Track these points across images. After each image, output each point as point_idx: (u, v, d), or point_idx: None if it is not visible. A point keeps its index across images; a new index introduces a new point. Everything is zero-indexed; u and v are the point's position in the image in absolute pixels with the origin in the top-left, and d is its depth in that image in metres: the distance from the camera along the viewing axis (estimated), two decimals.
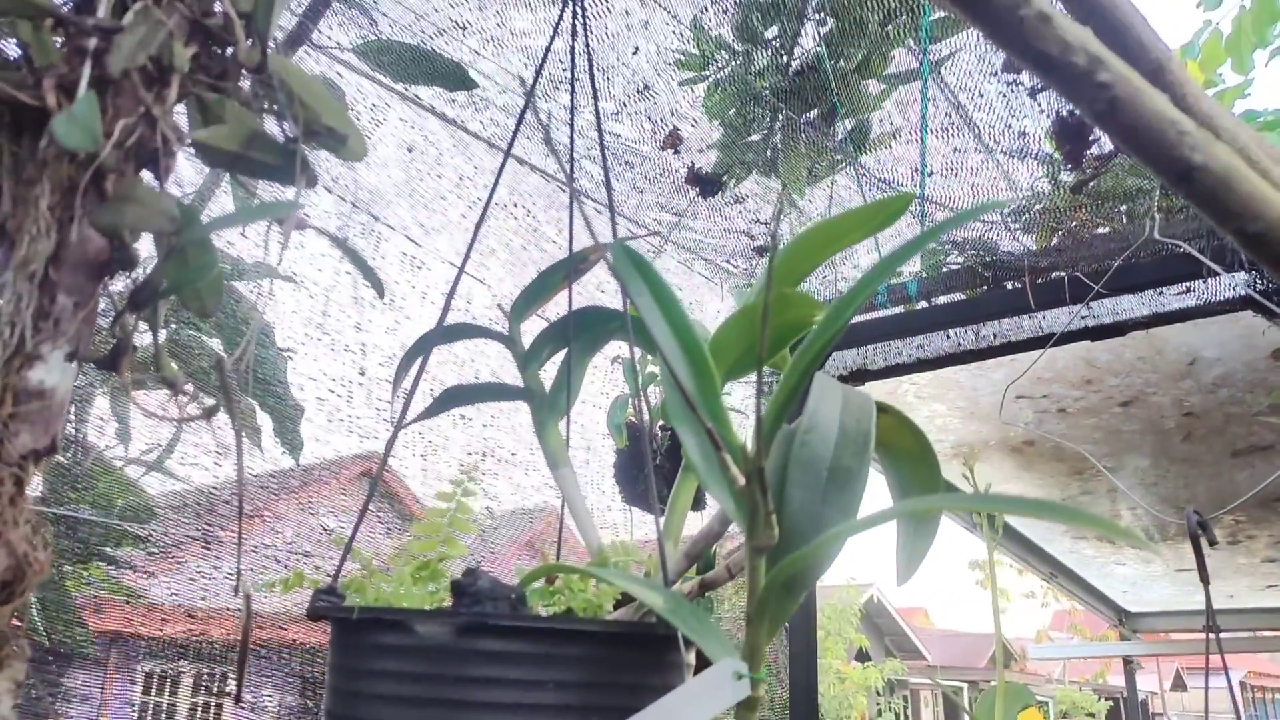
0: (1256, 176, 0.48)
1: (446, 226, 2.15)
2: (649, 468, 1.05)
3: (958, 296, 2.22)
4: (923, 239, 1.14)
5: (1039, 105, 1.70)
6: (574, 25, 1.24)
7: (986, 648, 20.71)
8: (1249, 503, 3.02)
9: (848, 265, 2.30)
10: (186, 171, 1.62)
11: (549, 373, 1.14)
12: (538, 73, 1.21)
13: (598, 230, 0.96)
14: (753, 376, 1.02)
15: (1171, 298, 1.95)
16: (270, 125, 0.65)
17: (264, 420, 1.87)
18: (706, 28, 1.71)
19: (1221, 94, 2.94)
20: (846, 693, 14.15)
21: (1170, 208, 1.87)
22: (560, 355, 1.13)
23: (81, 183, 0.55)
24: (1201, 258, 1.81)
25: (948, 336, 2.24)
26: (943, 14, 1.62)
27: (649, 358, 1.44)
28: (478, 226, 1.10)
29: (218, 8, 0.62)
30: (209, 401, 0.70)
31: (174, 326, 1.74)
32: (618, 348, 1.74)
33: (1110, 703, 18.24)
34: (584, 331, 1.11)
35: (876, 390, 2.49)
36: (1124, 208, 1.94)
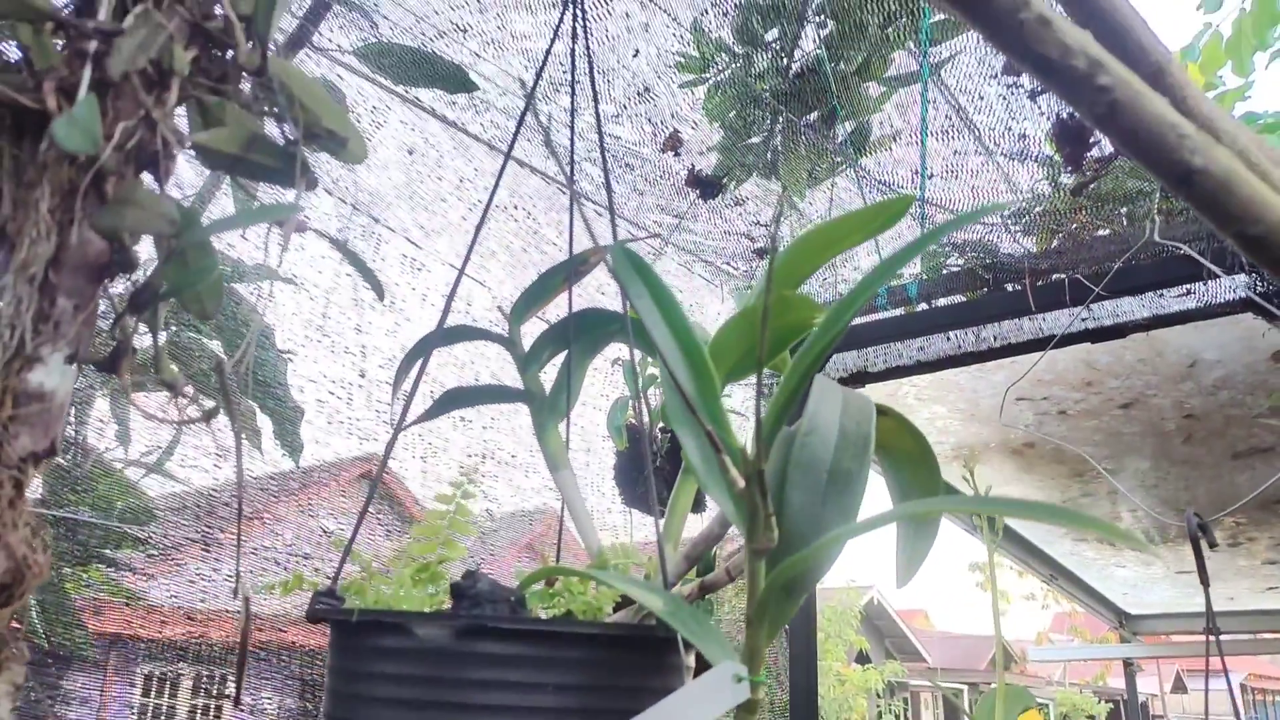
0: (1256, 179, 0.48)
1: (447, 228, 2.16)
2: (649, 470, 1.05)
3: (958, 298, 2.22)
4: (923, 241, 1.14)
5: (1039, 108, 1.70)
6: (574, 28, 1.24)
7: (987, 650, 20.70)
8: (1249, 505, 3.02)
9: (848, 267, 2.30)
10: (187, 174, 1.62)
11: (549, 375, 1.14)
12: (538, 75, 1.21)
13: (598, 232, 0.96)
14: (753, 379, 1.02)
15: (1172, 300, 1.95)
16: (270, 128, 0.65)
17: (264, 422, 1.87)
18: (707, 30, 1.71)
19: (1222, 96, 2.94)
20: (847, 695, 14.14)
21: (1170, 210, 1.87)
22: (560, 357, 1.13)
23: (82, 185, 0.55)
24: (1202, 260, 1.81)
25: (948, 338, 2.24)
26: (943, 17, 1.62)
27: (649, 360, 1.44)
28: (478, 229, 1.10)
29: (218, 11, 0.62)
30: (209, 404, 0.70)
31: (174, 329, 1.74)
32: (618, 350, 1.74)
33: (1110, 705, 18.23)
34: (584, 334, 1.11)
35: (877, 392, 2.49)
36: (1124, 210, 1.94)
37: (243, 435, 1.81)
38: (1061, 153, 1.74)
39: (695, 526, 1.11)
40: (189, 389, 0.67)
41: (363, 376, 2.10)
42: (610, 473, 1.90)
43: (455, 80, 1.57)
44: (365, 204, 2.02)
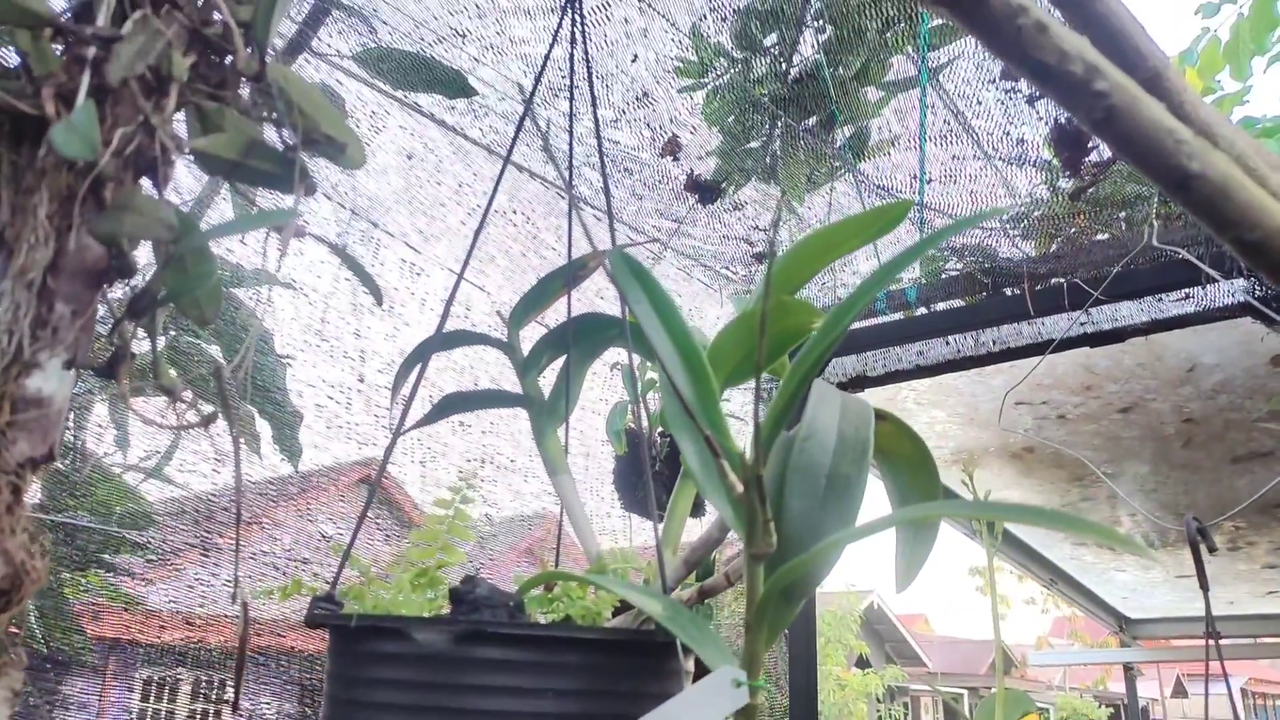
0: (1254, 185, 0.48)
1: (446, 233, 2.16)
2: (648, 474, 1.05)
3: (957, 303, 2.22)
4: (922, 246, 1.14)
5: (1037, 112, 1.70)
6: (573, 33, 1.24)
7: (987, 654, 20.68)
8: (1249, 509, 3.02)
9: (847, 272, 2.30)
10: (185, 179, 1.62)
11: (548, 379, 1.14)
12: (537, 80, 1.21)
13: (597, 237, 0.96)
14: (751, 383, 1.02)
15: (1170, 304, 1.96)
16: (269, 133, 0.65)
17: (263, 427, 1.87)
18: (705, 35, 1.72)
19: (1220, 101, 2.95)
20: (847, 699, 14.13)
21: (1169, 214, 1.87)
22: (559, 362, 1.13)
23: (80, 191, 0.55)
24: (1200, 264, 1.81)
25: (947, 343, 2.24)
26: (941, 22, 1.62)
27: (648, 364, 1.44)
28: (477, 233, 1.10)
29: (217, 17, 0.62)
30: (207, 408, 0.70)
31: (173, 334, 1.74)
32: (617, 354, 1.74)
33: (1111, 709, 18.21)
34: (583, 338, 1.11)
35: (876, 396, 2.49)
36: (1123, 214, 1.94)
37: (241, 440, 1.81)
38: (1060, 157, 1.74)
39: (694, 531, 1.11)
40: (188, 394, 0.67)
41: (362, 381, 2.10)
42: (609, 477, 1.90)
43: (454, 85, 1.57)
44: (364, 209, 2.02)
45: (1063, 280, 2.00)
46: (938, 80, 1.75)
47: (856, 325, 2.24)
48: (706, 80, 1.79)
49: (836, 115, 1.79)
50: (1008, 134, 1.80)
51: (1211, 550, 2.24)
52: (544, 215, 2.20)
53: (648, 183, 2.05)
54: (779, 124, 1.87)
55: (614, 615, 0.94)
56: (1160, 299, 1.96)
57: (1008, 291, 2.12)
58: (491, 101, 1.83)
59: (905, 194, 2.01)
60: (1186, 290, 1.91)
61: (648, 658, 0.80)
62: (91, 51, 0.56)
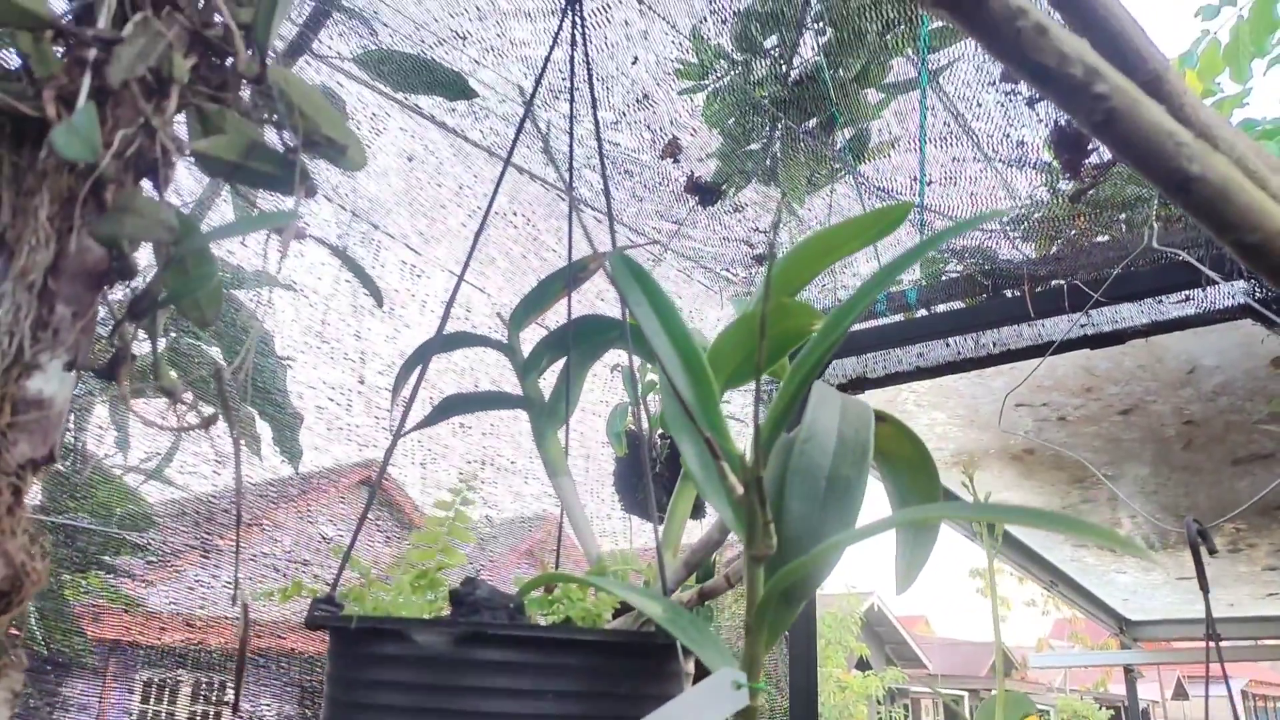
0: (1254, 187, 0.48)
1: (446, 235, 2.16)
2: (648, 476, 1.05)
3: (957, 305, 2.22)
4: (922, 248, 1.14)
5: (1037, 115, 1.70)
6: (573, 35, 1.24)
7: (987, 656, 20.67)
8: (1249, 511, 3.02)
9: (847, 273, 2.30)
10: (186, 181, 1.62)
11: (548, 381, 1.14)
12: (537, 82, 1.21)
13: (597, 239, 0.96)
14: (752, 385, 1.02)
15: (1171, 306, 1.96)
16: (270, 135, 0.65)
17: (263, 429, 1.87)
18: (706, 37, 1.72)
19: (1220, 103, 2.95)
20: (847, 702, 14.11)
21: (1169, 216, 1.87)
22: (559, 363, 1.13)
23: (81, 193, 0.55)
24: (1200, 266, 1.81)
25: (947, 344, 2.24)
26: (941, 24, 1.62)
27: (648, 366, 1.44)
28: (477, 235, 1.10)
29: (217, 19, 0.62)
30: (208, 410, 0.70)
31: (173, 335, 1.74)
32: (617, 356, 1.74)
33: (1112, 711, 18.19)
34: (583, 340, 1.11)
35: (876, 398, 2.49)
36: (1123, 216, 1.94)
37: (242, 442, 1.81)
38: (1060, 159, 1.74)
39: (695, 533, 1.11)
40: (188, 395, 0.67)
41: (362, 383, 2.10)
42: (609, 479, 1.89)
43: (455, 87, 1.57)
44: (364, 211, 2.02)
45: (1063, 282, 2.00)
46: (938, 82, 1.75)
47: (857, 327, 2.24)
48: (707, 82, 1.79)
49: (837, 117, 1.79)
50: (1008, 136, 1.80)
51: (1212, 552, 2.24)
52: (544, 217, 2.20)
53: (648, 185, 2.06)
54: (779, 126, 1.87)
55: (614, 617, 0.94)
56: (1160, 301, 1.96)
57: (1008, 293, 2.12)
58: (492, 103, 1.83)
59: (905, 196, 2.01)
60: (1187, 292, 1.91)
61: (648, 660, 0.80)
62: (92, 54, 0.57)
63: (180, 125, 0.63)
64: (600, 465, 2.44)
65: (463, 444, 2.29)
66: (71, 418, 1.75)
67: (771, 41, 1.73)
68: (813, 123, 1.84)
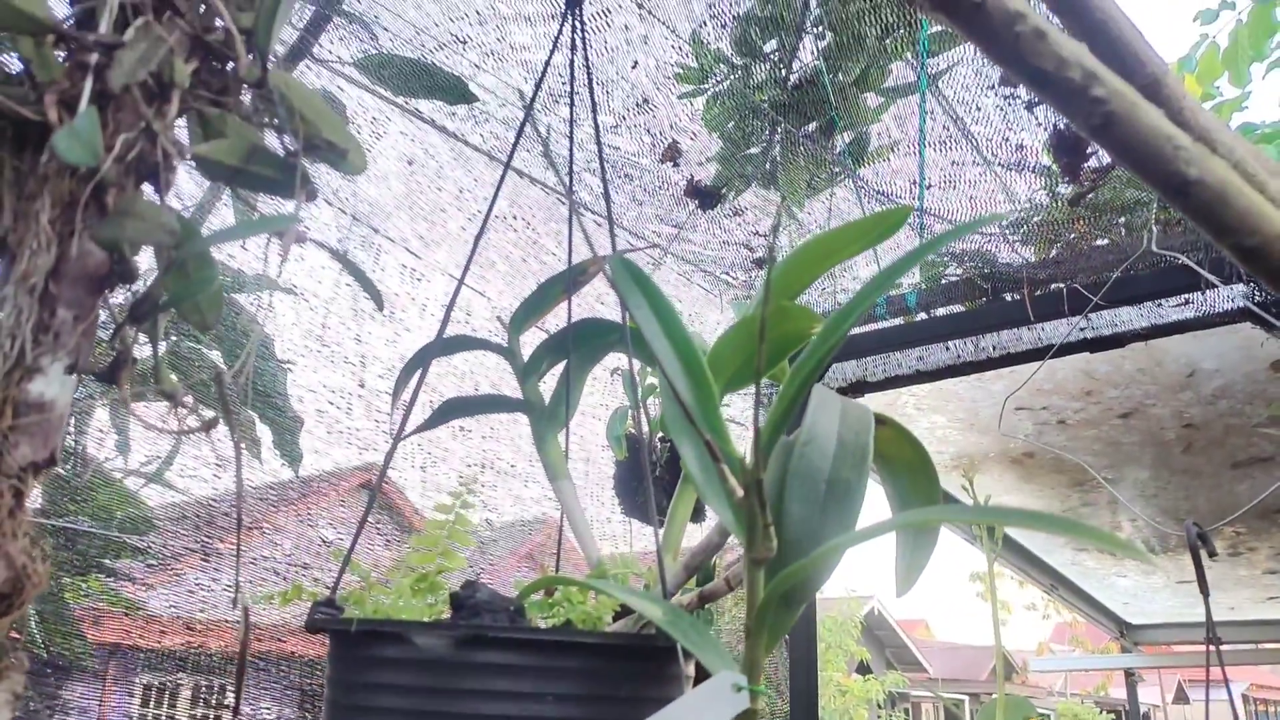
0: (1252, 191, 0.48)
1: (446, 239, 2.16)
2: (648, 479, 1.05)
3: (957, 308, 2.22)
4: (921, 251, 1.14)
5: (1036, 119, 1.70)
6: (573, 39, 1.24)
7: (988, 660, 20.64)
8: (1249, 514, 3.02)
9: (846, 277, 2.30)
10: (187, 185, 1.62)
11: (548, 385, 1.14)
12: (537, 86, 1.21)
13: (597, 243, 0.96)
14: (752, 388, 1.02)
15: (1170, 309, 1.96)
16: (271, 139, 0.66)
17: (263, 432, 1.87)
18: (705, 42, 1.72)
19: (1219, 107, 2.95)
20: (848, 706, 14.09)
21: (1168, 220, 1.87)
22: (559, 367, 1.13)
23: (82, 197, 0.56)
24: (1200, 270, 1.81)
25: (947, 348, 2.24)
26: (940, 29, 1.62)
27: (648, 369, 1.44)
28: (477, 239, 1.10)
29: (219, 23, 0.63)
30: (208, 414, 0.70)
31: (174, 339, 1.74)
32: (617, 359, 1.74)
33: (1112, 715, 18.17)
34: (583, 343, 1.11)
35: (876, 402, 2.49)
36: (1122, 220, 1.94)
37: (242, 445, 1.81)
38: (1059, 163, 1.75)
39: (695, 536, 1.11)
40: (188, 399, 0.67)
41: (362, 386, 2.10)
42: (609, 482, 1.90)
43: (455, 91, 1.57)
44: (365, 214, 2.02)
45: (1062, 285, 2.00)
46: (937, 86, 1.75)
47: (856, 330, 2.24)
48: (706, 86, 1.79)
49: (836, 121, 1.79)
50: (1007, 140, 1.80)
51: (1212, 555, 2.24)
52: (544, 221, 2.20)
53: (648, 188, 2.06)
54: (779, 130, 1.87)
55: (614, 620, 0.94)
56: (1160, 304, 1.96)
57: (1007, 297, 2.12)
58: (492, 107, 1.83)
59: (905, 199, 2.01)
60: (1186, 295, 1.91)
61: (648, 662, 0.80)
62: (94, 58, 0.57)
63: (181, 129, 0.63)
64: (600, 468, 2.44)
65: (463, 447, 2.29)
66: (72, 421, 1.75)
67: (771, 46, 1.74)
68: (812, 127, 1.85)
